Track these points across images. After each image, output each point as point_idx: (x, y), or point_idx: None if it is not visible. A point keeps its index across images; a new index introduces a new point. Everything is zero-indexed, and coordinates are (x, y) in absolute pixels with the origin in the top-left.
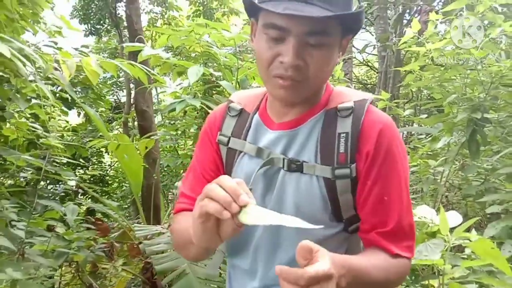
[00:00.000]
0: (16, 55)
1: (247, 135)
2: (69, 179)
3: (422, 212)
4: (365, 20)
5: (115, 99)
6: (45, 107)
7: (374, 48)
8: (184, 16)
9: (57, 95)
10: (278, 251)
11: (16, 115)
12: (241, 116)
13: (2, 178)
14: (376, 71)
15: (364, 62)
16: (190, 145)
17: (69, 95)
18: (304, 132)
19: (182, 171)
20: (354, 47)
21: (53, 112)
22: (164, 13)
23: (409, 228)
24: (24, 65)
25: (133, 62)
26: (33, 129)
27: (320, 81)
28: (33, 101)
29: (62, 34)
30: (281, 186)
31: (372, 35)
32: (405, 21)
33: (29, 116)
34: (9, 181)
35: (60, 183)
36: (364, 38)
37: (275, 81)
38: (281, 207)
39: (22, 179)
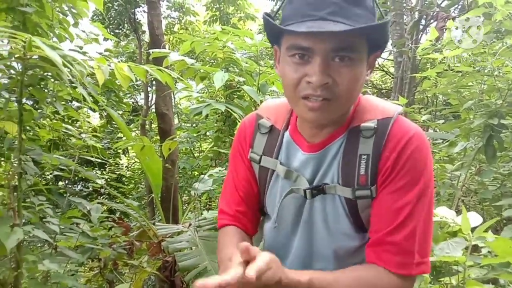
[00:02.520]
0: (64, 62)
1: (278, 153)
2: (98, 178)
3: (443, 213)
4: None
5: (132, 102)
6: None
7: (390, 53)
8: (201, 21)
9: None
10: (312, 264)
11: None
12: (271, 133)
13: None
14: (392, 76)
15: (380, 67)
16: (210, 147)
17: (93, 97)
18: (330, 153)
19: (197, 173)
20: None
21: (83, 114)
22: (181, 18)
23: (407, 242)
24: (70, 70)
25: (161, 68)
26: (64, 131)
27: (350, 101)
28: (75, 104)
29: (99, 41)
30: (310, 208)
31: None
32: (421, 27)
33: (53, 117)
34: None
35: (80, 182)
36: None
37: (303, 103)
38: (312, 227)
39: (41, 179)
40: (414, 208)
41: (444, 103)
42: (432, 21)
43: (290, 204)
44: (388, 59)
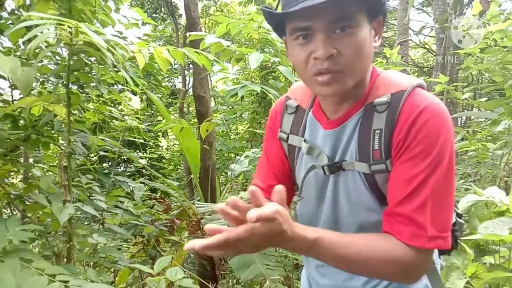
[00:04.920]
0: (108, 47)
1: (304, 132)
2: (141, 159)
3: (491, 193)
4: (423, 0)
5: (170, 85)
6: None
7: (431, 30)
8: (236, 2)
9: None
10: None
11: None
12: (297, 113)
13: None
14: (433, 53)
15: (421, 45)
16: (247, 128)
17: (133, 81)
18: (348, 130)
19: (233, 155)
20: (411, 29)
21: (125, 97)
22: (217, 0)
23: (417, 213)
24: (113, 54)
25: (198, 50)
26: (108, 113)
27: (360, 69)
28: (117, 87)
29: (139, 26)
30: (334, 183)
31: (430, 16)
32: (465, 1)
33: (97, 100)
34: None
35: (122, 164)
36: (421, 20)
37: (315, 80)
38: (336, 202)
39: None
40: (425, 179)
41: (489, 80)
42: None
43: (314, 180)
44: (430, 36)
